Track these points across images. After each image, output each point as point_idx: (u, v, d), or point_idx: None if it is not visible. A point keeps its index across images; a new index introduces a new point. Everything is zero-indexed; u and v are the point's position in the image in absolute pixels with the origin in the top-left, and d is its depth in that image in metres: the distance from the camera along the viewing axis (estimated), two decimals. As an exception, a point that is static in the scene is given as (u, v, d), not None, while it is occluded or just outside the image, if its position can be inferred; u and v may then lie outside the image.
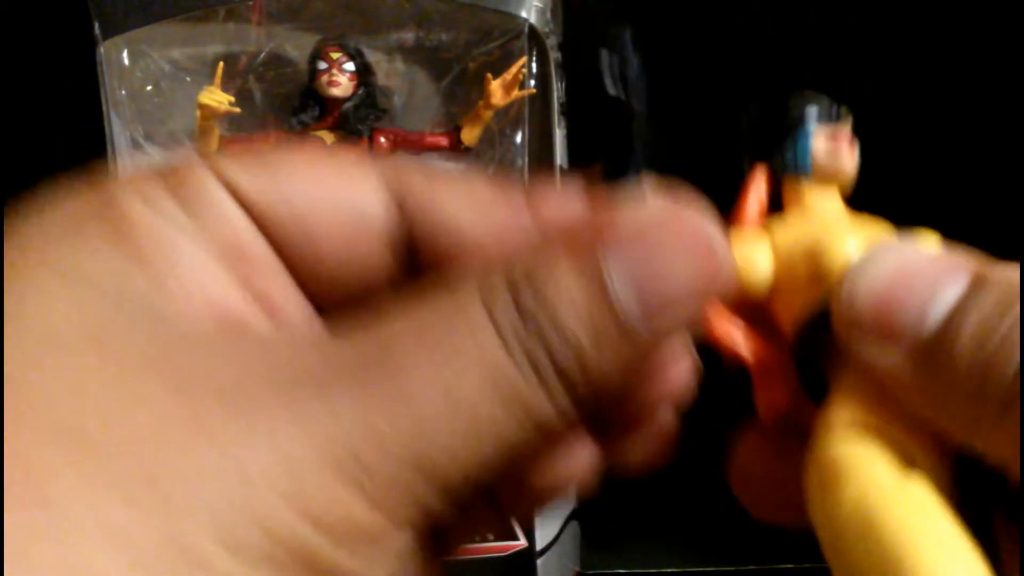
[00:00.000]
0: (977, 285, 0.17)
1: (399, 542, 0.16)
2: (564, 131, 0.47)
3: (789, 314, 0.21)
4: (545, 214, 0.18)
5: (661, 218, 0.16)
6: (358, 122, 0.46)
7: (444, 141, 0.47)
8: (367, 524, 0.15)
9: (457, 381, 0.15)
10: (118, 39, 0.45)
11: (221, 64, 0.45)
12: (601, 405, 0.17)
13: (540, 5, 0.45)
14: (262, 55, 0.47)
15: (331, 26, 0.47)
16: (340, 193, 0.18)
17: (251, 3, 0.45)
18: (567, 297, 0.16)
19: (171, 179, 0.17)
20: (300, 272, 0.18)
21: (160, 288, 0.16)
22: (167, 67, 0.47)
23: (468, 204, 0.18)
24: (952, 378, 0.17)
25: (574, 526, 0.50)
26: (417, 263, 0.18)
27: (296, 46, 0.47)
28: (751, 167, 0.22)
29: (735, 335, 0.21)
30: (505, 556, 0.46)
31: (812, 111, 0.21)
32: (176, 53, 0.47)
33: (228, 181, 0.17)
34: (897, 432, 0.18)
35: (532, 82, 0.46)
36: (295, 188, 0.17)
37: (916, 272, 0.18)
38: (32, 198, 0.17)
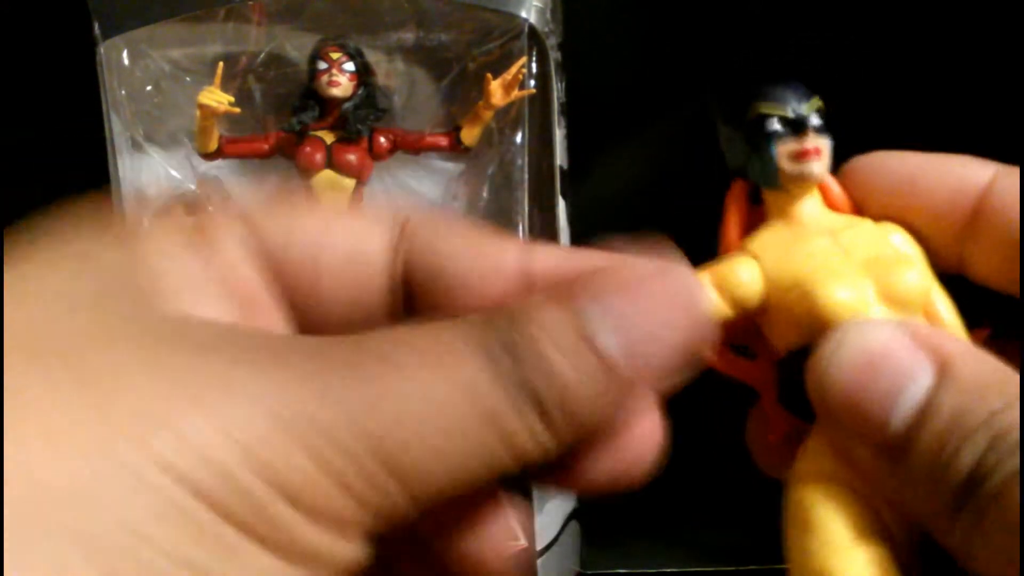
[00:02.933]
0: (941, 378, 0.18)
1: (359, 533, 0.16)
2: (564, 131, 0.47)
3: (778, 338, 0.21)
4: (538, 268, 0.19)
5: (643, 272, 0.17)
6: (358, 122, 0.46)
7: (444, 141, 0.47)
8: (330, 501, 0.15)
9: (441, 394, 0.16)
10: (118, 39, 0.45)
11: (221, 64, 0.45)
12: (578, 442, 0.17)
13: (540, 5, 0.45)
14: (262, 55, 0.47)
15: (331, 26, 0.47)
16: (349, 240, 0.19)
17: (251, 3, 0.45)
18: (550, 335, 0.16)
19: (191, 233, 0.18)
20: (306, 310, 0.19)
21: (157, 294, 0.17)
22: (167, 67, 0.47)
23: (467, 254, 0.19)
24: (911, 478, 0.18)
25: (574, 526, 0.50)
26: (415, 307, 0.19)
27: (296, 46, 0.47)
28: (731, 180, 0.23)
29: (737, 364, 0.22)
30: (505, 556, 0.46)
31: (772, 122, 0.21)
32: (176, 53, 0.47)
33: (253, 226, 0.18)
34: (865, 488, 0.19)
35: (532, 82, 0.46)
36: (310, 235, 0.19)
37: (880, 365, 0.18)
38: (45, 227, 0.18)
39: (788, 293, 0.21)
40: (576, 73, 0.48)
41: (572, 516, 0.50)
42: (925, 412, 0.17)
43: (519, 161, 0.47)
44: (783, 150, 0.21)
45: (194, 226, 0.18)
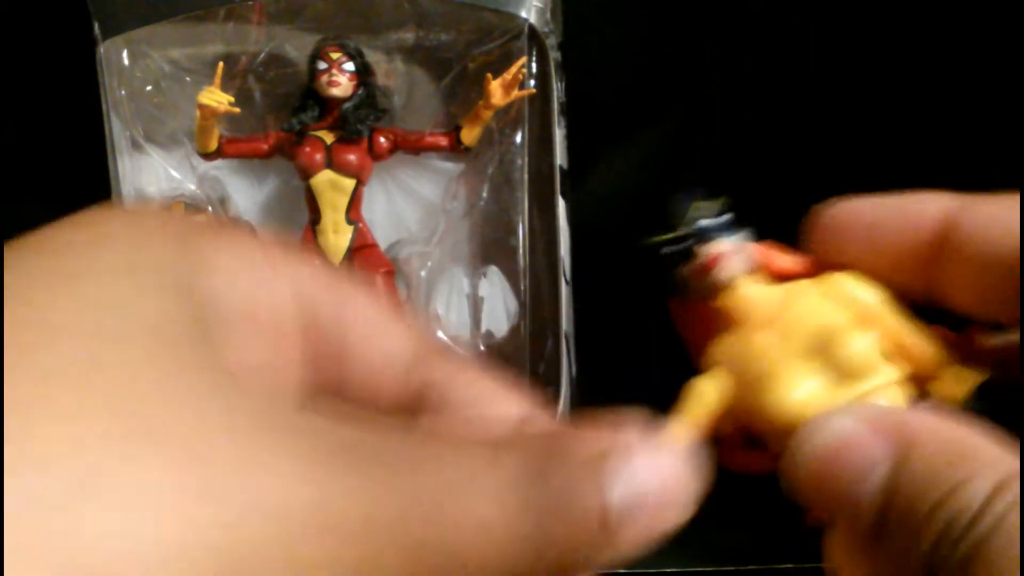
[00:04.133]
0: (899, 461, 0.18)
1: None
2: (564, 131, 0.47)
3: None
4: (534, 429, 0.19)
5: (648, 446, 0.18)
6: (358, 122, 0.46)
7: (444, 141, 0.47)
8: None
9: (470, 508, 0.16)
10: (118, 39, 0.45)
11: (221, 64, 0.45)
12: None
13: (540, 5, 0.45)
14: (262, 55, 0.47)
15: (331, 26, 0.47)
16: (386, 342, 0.20)
17: (251, 3, 0.45)
18: (579, 491, 0.17)
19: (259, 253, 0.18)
20: (322, 375, 0.20)
21: (215, 326, 0.17)
22: (167, 67, 0.47)
23: (481, 400, 0.20)
24: (886, 558, 0.18)
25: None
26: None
27: (296, 46, 0.47)
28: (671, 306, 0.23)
29: (750, 459, 0.22)
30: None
31: (668, 248, 0.21)
32: (176, 53, 0.47)
33: (312, 286, 0.19)
34: None
35: (532, 82, 0.46)
36: (359, 320, 0.20)
37: (844, 455, 0.19)
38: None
39: (748, 407, 0.21)
40: (576, 73, 0.48)
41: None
42: (888, 497, 0.18)
43: (519, 161, 0.47)
44: (684, 270, 0.21)
45: (263, 254, 0.18)
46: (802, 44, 0.49)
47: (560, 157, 0.47)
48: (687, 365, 0.22)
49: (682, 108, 0.51)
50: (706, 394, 0.21)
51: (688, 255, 0.21)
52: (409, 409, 0.20)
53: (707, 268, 0.21)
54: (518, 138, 0.47)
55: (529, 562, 0.16)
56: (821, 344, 0.21)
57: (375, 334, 0.20)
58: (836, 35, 0.49)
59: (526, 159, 0.47)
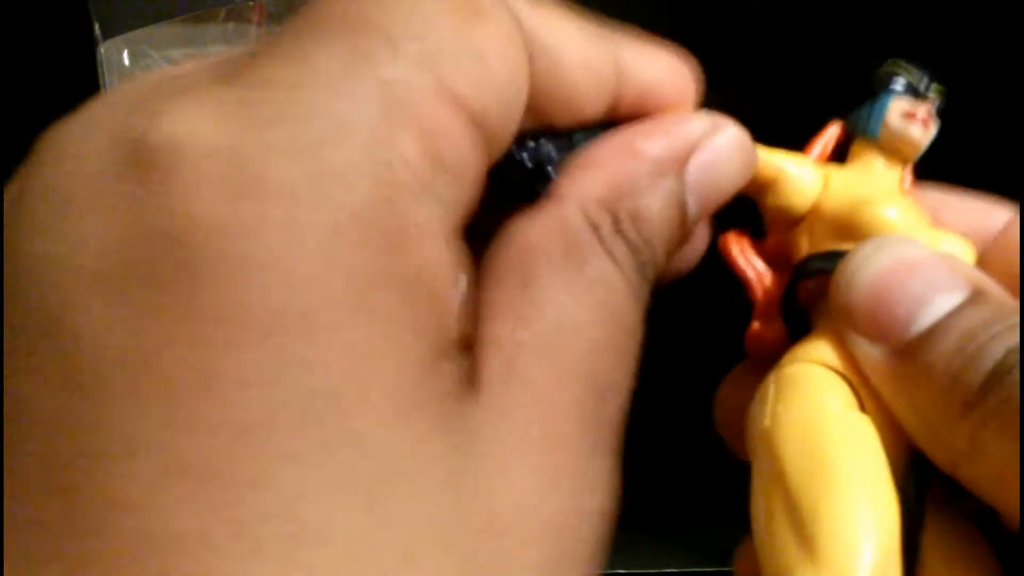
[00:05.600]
0: (973, 300, 0.18)
1: None
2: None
3: (809, 243, 0.21)
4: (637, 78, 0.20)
5: (713, 128, 0.19)
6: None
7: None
8: None
9: (573, 303, 0.16)
10: (118, 39, 0.45)
11: (221, 64, 0.45)
12: None
13: (540, 5, 0.45)
14: (262, 55, 0.47)
15: (331, 26, 0.46)
16: (583, 50, 0.18)
17: (251, 3, 0.45)
18: (659, 222, 0.18)
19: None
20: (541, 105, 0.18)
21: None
22: (167, 67, 0.47)
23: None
24: (925, 377, 0.18)
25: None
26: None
27: (296, 46, 0.47)
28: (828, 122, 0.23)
29: (754, 263, 0.22)
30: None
31: (898, 81, 0.22)
32: (176, 53, 0.47)
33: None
34: (859, 383, 0.19)
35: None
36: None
37: (915, 271, 0.18)
38: None
39: (841, 202, 0.21)
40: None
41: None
42: (951, 318, 0.18)
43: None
44: (896, 105, 0.22)
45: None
46: (803, 44, 0.49)
47: (560, 157, 0.46)
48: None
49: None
50: (803, 172, 0.22)
51: (912, 98, 0.22)
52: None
53: (915, 117, 0.21)
54: (518, 138, 0.47)
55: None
56: (931, 231, 0.21)
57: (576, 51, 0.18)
58: (836, 35, 0.49)
59: (526, 159, 0.47)
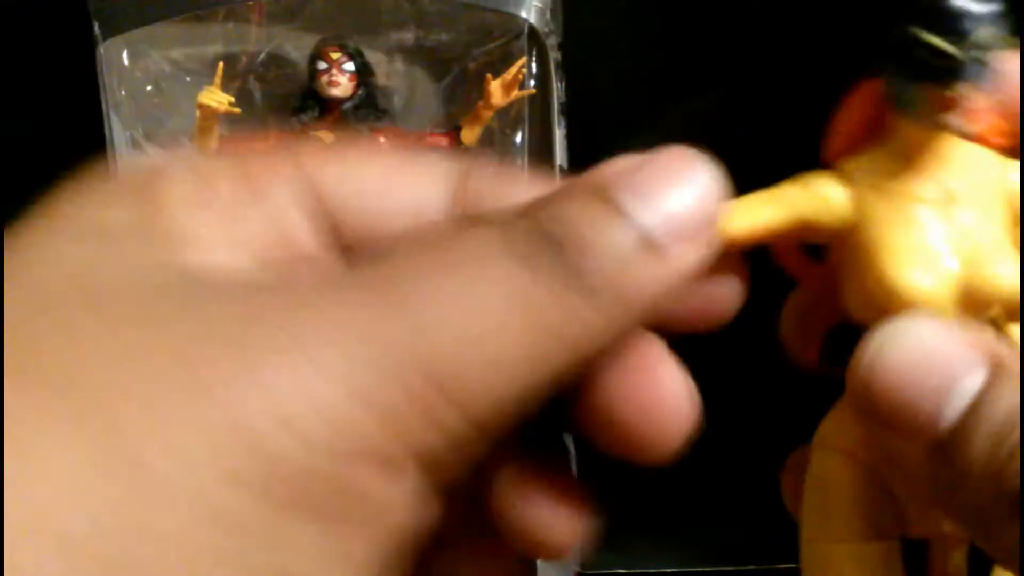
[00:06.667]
0: (994, 379, 0.17)
1: (416, 472, 0.15)
2: (564, 131, 0.47)
3: (844, 290, 0.20)
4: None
5: (650, 156, 0.17)
6: (358, 122, 0.46)
7: (444, 141, 0.47)
8: (380, 445, 0.14)
9: (479, 304, 0.15)
10: (118, 39, 0.45)
11: (221, 64, 0.45)
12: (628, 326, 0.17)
13: (540, 5, 0.45)
14: (262, 55, 0.47)
15: (331, 26, 0.47)
16: (411, 191, 0.18)
17: (251, 3, 0.45)
18: (586, 216, 0.16)
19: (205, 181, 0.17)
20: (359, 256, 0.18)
21: (176, 245, 0.16)
22: (167, 67, 0.47)
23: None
24: (964, 476, 0.17)
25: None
26: None
27: (296, 46, 0.47)
28: (864, 78, 0.21)
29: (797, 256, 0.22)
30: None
31: (933, 68, 0.19)
32: (176, 53, 0.47)
33: (308, 171, 0.18)
34: (885, 472, 0.20)
35: (532, 82, 0.46)
36: (369, 183, 0.18)
37: (934, 360, 0.18)
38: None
39: (862, 256, 0.19)
40: (576, 73, 0.48)
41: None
42: (979, 410, 0.17)
43: (519, 161, 0.47)
44: (934, 91, 0.19)
45: (241, 169, 0.17)
46: (803, 43, 0.49)
47: (560, 157, 0.47)
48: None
49: (682, 108, 0.51)
50: (817, 189, 0.20)
51: (948, 80, 0.18)
52: None
53: (962, 111, 0.18)
54: (518, 138, 0.47)
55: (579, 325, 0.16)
56: (973, 253, 0.19)
57: (394, 187, 0.18)
58: (837, 35, 0.49)
59: (526, 159, 0.47)
